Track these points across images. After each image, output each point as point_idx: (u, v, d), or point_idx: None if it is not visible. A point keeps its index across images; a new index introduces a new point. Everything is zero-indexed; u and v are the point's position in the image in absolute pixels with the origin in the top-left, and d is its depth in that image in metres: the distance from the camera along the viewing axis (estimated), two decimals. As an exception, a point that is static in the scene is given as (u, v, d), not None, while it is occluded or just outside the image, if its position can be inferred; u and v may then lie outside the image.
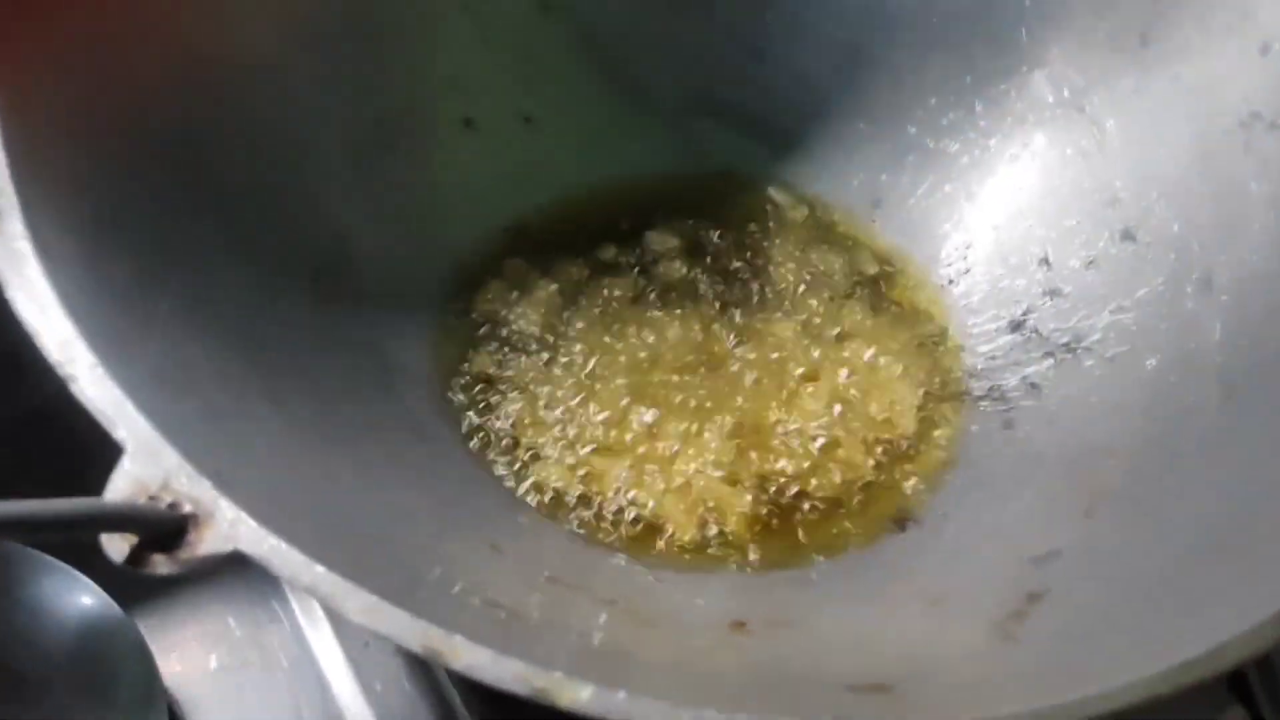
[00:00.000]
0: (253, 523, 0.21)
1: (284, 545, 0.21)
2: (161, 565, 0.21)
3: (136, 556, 0.21)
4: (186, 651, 0.35)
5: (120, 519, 0.20)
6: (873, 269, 0.42)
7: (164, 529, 0.21)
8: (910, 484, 0.37)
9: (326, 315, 0.35)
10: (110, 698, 0.32)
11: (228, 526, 0.21)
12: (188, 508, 0.21)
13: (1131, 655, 0.24)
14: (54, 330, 0.23)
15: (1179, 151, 0.37)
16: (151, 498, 0.21)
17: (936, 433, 0.38)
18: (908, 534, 0.35)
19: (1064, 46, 0.40)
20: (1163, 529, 0.30)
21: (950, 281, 0.42)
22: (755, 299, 0.42)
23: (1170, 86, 0.38)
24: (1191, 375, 0.34)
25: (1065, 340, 0.38)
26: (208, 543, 0.21)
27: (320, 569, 0.21)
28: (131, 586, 0.33)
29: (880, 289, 0.42)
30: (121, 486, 0.21)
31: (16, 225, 0.24)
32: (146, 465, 0.21)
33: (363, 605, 0.21)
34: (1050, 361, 0.38)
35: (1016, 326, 0.40)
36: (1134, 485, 0.32)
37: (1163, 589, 0.27)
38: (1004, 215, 0.42)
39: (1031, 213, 0.41)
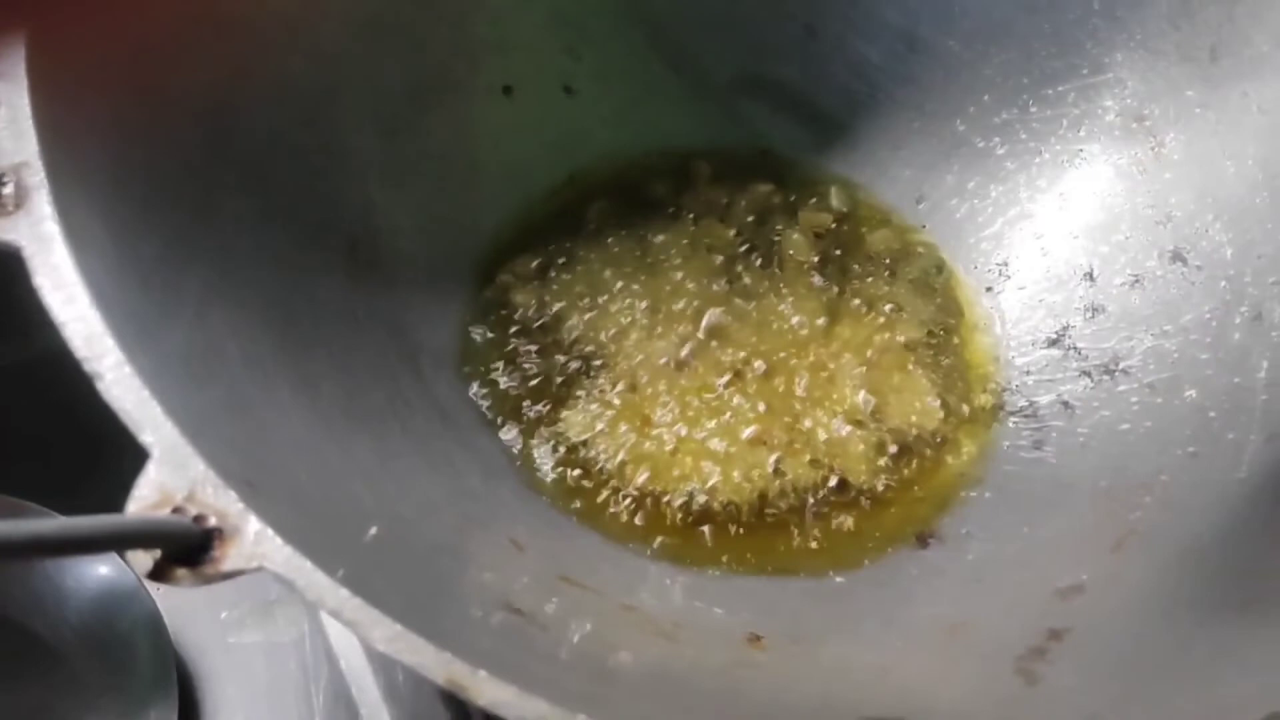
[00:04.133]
0: (279, 540, 0.21)
1: (309, 565, 0.21)
2: (185, 579, 0.20)
3: (160, 570, 0.20)
4: (199, 621, 0.35)
5: (146, 536, 0.20)
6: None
7: (189, 543, 0.20)
8: (932, 495, 0.36)
9: (359, 291, 0.34)
10: (123, 666, 0.31)
11: (252, 543, 0.21)
12: (213, 521, 0.21)
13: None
14: (81, 322, 0.22)
15: (1241, 173, 0.36)
16: (176, 509, 0.20)
17: (964, 444, 0.38)
18: (929, 550, 0.35)
19: (1130, 52, 0.39)
20: (1196, 576, 0.29)
21: (989, 288, 0.41)
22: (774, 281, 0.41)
23: (1238, 104, 0.36)
24: (1234, 413, 0.33)
25: (1103, 361, 0.37)
26: (232, 559, 0.20)
27: (345, 593, 0.21)
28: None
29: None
30: (146, 495, 0.21)
31: (45, 205, 0.23)
32: (173, 473, 0.21)
33: (387, 634, 0.20)
34: (1086, 382, 0.37)
35: (1054, 341, 0.39)
36: (1167, 523, 0.32)
37: (1194, 642, 0.27)
38: (1050, 223, 0.41)
39: (1078, 224, 0.40)
